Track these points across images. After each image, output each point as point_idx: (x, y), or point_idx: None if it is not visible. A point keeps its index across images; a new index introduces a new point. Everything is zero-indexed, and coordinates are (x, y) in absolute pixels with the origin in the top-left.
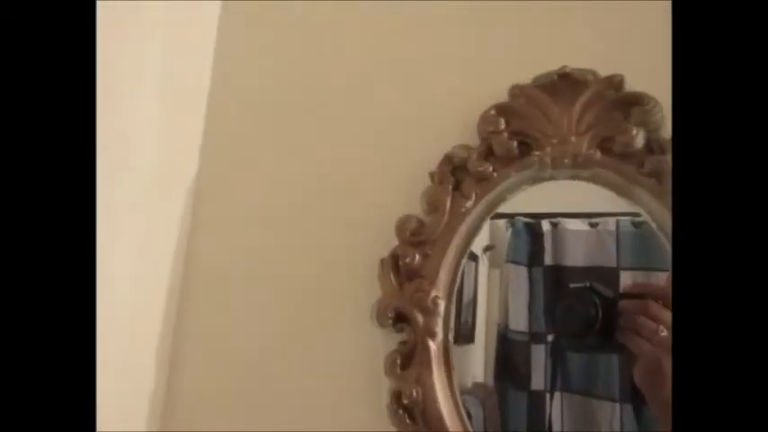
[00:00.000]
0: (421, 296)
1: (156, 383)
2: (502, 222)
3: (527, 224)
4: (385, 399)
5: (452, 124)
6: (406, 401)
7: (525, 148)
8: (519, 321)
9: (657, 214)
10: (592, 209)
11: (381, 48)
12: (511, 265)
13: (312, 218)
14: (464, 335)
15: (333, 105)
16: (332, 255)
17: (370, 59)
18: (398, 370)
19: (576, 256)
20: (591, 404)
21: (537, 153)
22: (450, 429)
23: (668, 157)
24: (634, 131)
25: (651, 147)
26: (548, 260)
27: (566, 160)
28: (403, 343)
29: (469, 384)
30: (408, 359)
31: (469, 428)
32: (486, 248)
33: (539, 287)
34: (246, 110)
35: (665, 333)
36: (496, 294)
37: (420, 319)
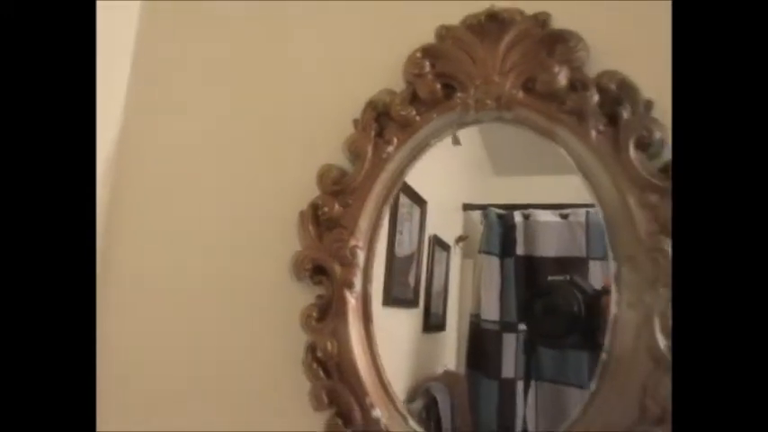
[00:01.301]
0: (339, 246)
1: None
2: (476, 214)
3: (499, 215)
4: (299, 353)
5: (379, 69)
6: (320, 354)
7: (450, 91)
8: (491, 311)
9: (577, 154)
10: (563, 200)
11: None
12: (484, 256)
13: (234, 169)
14: (435, 323)
15: (254, 55)
16: (253, 208)
17: (293, 5)
18: (314, 323)
19: (547, 247)
20: (561, 391)
21: (460, 95)
22: (367, 384)
23: (589, 94)
24: (556, 69)
25: (574, 85)
26: (520, 251)
27: (488, 102)
28: (320, 296)
29: (440, 371)
30: (325, 312)
31: (388, 385)
32: (459, 239)
33: (511, 277)
34: (169, 67)
35: None
36: (469, 284)
37: (338, 270)
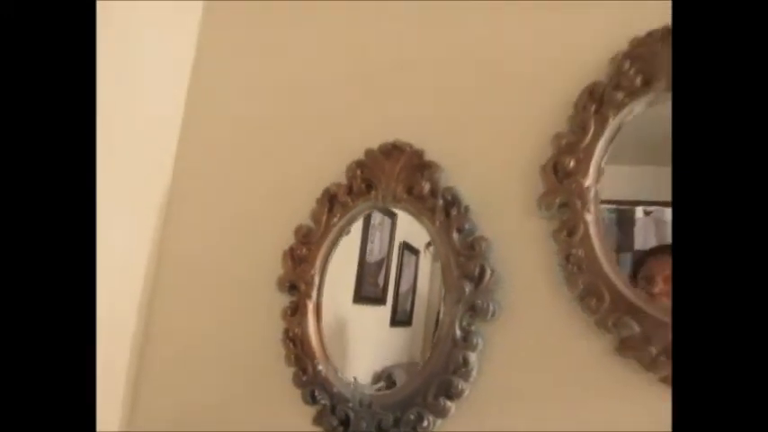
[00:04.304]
0: (304, 274)
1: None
2: None
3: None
4: (280, 335)
5: (329, 172)
6: (290, 334)
7: (370, 188)
8: None
9: (432, 233)
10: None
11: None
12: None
13: (247, 225)
14: (402, 319)
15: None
16: (258, 249)
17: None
18: (289, 316)
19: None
20: None
21: (374, 192)
22: (316, 352)
23: (437, 199)
24: (423, 183)
25: (432, 193)
26: None
27: (388, 196)
28: (293, 302)
29: (404, 360)
30: (295, 311)
31: (328, 351)
32: (429, 244)
33: None
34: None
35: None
36: (437, 285)
37: (303, 287)
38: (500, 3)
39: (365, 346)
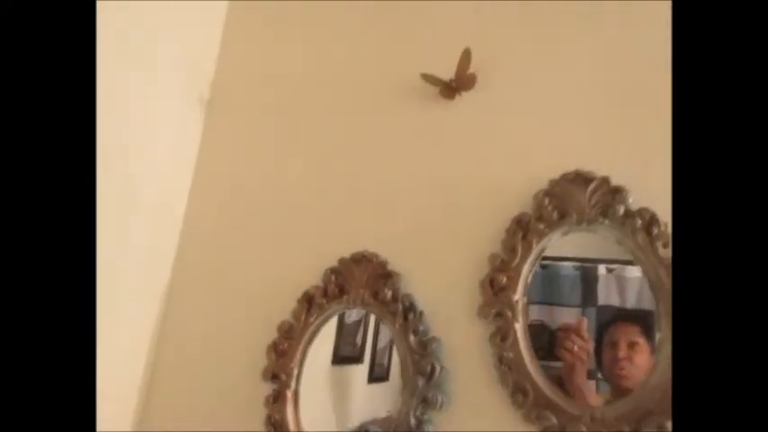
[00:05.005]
0: (285, 366)
1: None
2: None
3: None
4: (263, 420)
5: (311, 273)
6: (272, 420)
7: (342, 292)
8: None
9: (394, 330)
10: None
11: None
12: None
13: (237, 322)
14: (379, 374)
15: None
16: (246, 344)
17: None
18: (271, 403)
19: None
20: None
21: (346, 296)
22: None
23: (397, 303)
24: (386, 290)
25: (393, 298)
26: None
27: (358, 300)
28: (275, 389)
29: (382, 415)
30: (276, 398)
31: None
32: None
33: None
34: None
35: (576, 349)
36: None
37: (283, 377)
38: (451, 142)
39: (343, 404)
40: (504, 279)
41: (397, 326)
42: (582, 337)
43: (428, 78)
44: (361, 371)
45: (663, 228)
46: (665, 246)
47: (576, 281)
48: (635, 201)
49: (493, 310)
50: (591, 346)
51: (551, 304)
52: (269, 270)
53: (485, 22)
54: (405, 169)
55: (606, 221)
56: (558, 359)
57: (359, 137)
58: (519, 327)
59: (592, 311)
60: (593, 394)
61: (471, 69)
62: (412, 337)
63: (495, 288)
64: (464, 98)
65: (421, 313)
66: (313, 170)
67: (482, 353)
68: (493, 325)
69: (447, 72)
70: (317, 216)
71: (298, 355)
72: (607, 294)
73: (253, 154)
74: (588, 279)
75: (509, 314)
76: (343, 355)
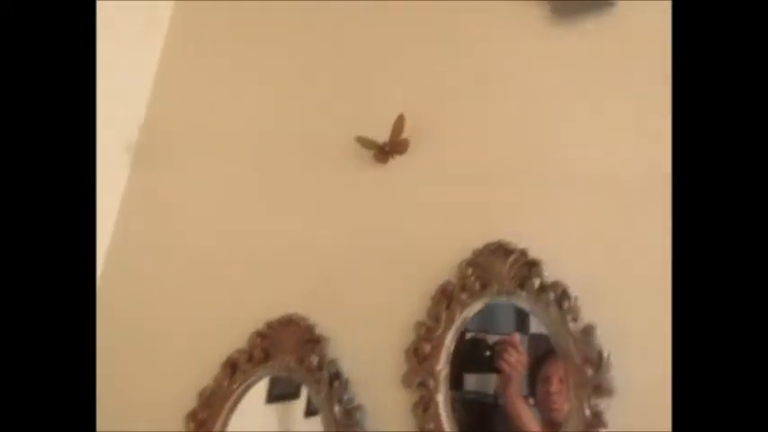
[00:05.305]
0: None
1: None
2: None
3: None
4: None
5: (237, 337)
6: None
7: (268, 356)
8: None
9: (323, 410)
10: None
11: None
12: None
13: (154, 385)
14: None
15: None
16: (161, 413)
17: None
18: None
19: None
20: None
21: (271, 362)
22: None
23: (323, 372)
24: (313, 357)
25: (321, 366)
26: None
27: (284, 366)
28: None
29: None
30: None
31: None
32: None
33: None
34: None
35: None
36: None
37: None
38: (383, 207)
39: None
40: (429, 348)
41: (322, 394)
42: (518, 350)
43: (362, 141)
44: (297, 406)
45: (573, 302)
46: (574, 320)
47: (509, 310)
48: (549, 274)
49: (417, 380)
50: (525, 359)
51: (486, 332)
52: (192, 333)
53: (421, 88)
54: (336, 232)
55: (524, 293)
56: (495, 371)
57: (290, 197)
58: (441, 397)
59: (525, 339)
60: (526, 410)
61: (405, 134)
62: (337, 407)
63: (419, 357)
64: (397, 162)
65: (347, 381)
66: (242, 229)
67: (406, 423)
68: (417, 394)
69: (382, 135)
70: (245, 277)
71: (218, 426)
72: (538, 323)
73: (177, 210)
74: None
75: (431, 384)
76: (278, 393)
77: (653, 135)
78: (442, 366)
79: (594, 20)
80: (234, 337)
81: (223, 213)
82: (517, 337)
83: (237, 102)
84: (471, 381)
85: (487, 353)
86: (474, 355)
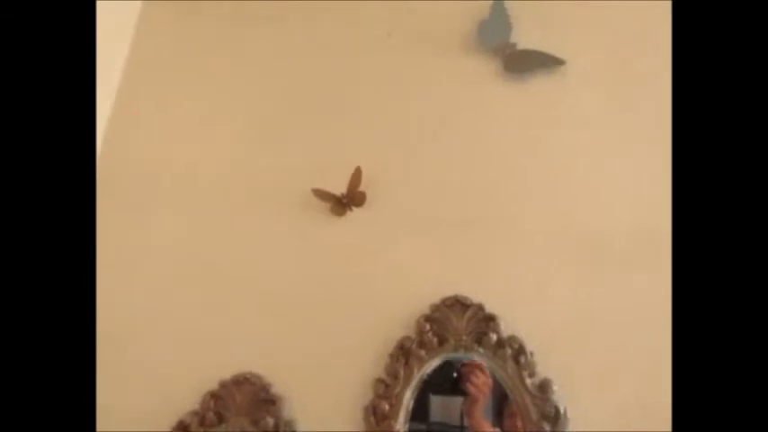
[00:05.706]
0: None
1: None
2: None
3: None
4: None
5: (189, 398)
6: None
7: (221, 419)
8: None
9: None
10: None
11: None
12: None
13: None
14: None
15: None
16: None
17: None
18: None
19: None
20: None
21: (224, 425)
22: None
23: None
24: (268, 419)
25: (277, 427)
26: None
27: (240, 428)
28: None
29: None
30: None
31: None
32: None
33: None
34: None
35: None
36: None
37: None
38: (339, 260)
39: None
40: (387, 407)
41: None
42: (484, 373)
43: (319, 194)
44: None
45: (529, 357)
46: (530, 375)
47: None
48: (505, 328)
49: None
50: (491, 383)
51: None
52: (142, 391)
53: (378, 141)
54: (292, 286)
55: (481, 349)
56: (462, 393)
57: (245, 249)
58: None
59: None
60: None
61: (362, 187)
62: None
63: (377, 416)
64: (354, 215)
65: None
66: (193, 284)
67: None
68: None
69: (339, 188)
70: (197, 333)
71: None
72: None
73: (122, 260)
74: None
75: None
76: None
77: (608, 190)
78: (401, 426)
79: (546, 76)
80: (187, 399)
81: (174, 264)
82: (482, 362)
83: (192, 153)
84: (437, 408)
85: (454, 374)
86: (440, 377)
